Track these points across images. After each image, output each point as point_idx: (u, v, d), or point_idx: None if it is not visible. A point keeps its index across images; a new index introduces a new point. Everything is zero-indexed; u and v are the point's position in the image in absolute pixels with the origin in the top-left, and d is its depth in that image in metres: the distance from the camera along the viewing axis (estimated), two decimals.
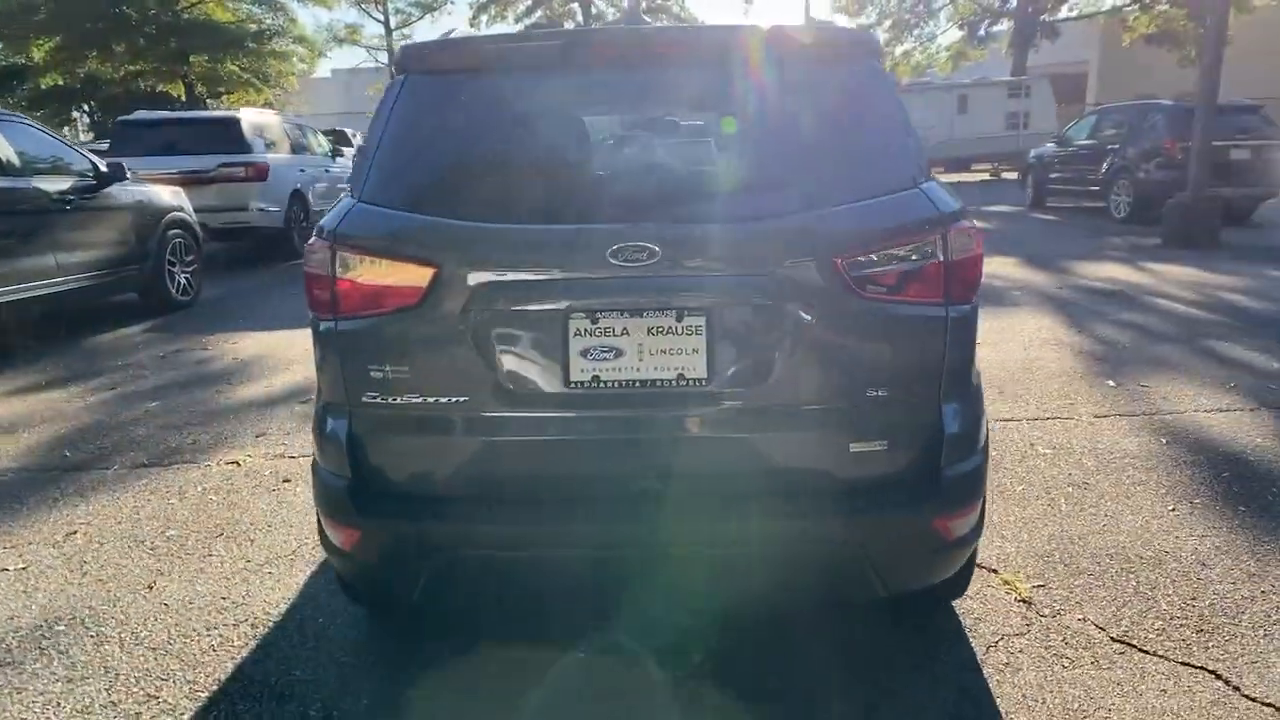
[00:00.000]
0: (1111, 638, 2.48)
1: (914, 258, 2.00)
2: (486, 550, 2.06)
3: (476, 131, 2.16)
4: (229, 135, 10.24)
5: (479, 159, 2.14)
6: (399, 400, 2.06)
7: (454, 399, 2.04)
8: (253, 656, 2.50)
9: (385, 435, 2.11)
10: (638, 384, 2.00)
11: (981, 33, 29.29)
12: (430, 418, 2.06)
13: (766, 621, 2.56)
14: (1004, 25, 28.77)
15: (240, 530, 3.37)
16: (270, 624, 2.67)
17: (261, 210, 10.30)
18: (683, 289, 1.97)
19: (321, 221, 2.18)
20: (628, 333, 1.99)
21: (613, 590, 2.18)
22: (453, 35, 2.46)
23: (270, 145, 10.78)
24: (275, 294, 8.93)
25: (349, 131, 21.76)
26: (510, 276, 2.00)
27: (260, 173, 10.20)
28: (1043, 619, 2.58)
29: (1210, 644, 2.43)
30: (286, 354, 6.17)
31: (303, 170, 11.40)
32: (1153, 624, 2.53)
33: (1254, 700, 2.19)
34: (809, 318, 1.97)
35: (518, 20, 29.26)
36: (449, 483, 2.10)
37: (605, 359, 2.00)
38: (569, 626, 2.52)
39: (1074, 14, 28.36)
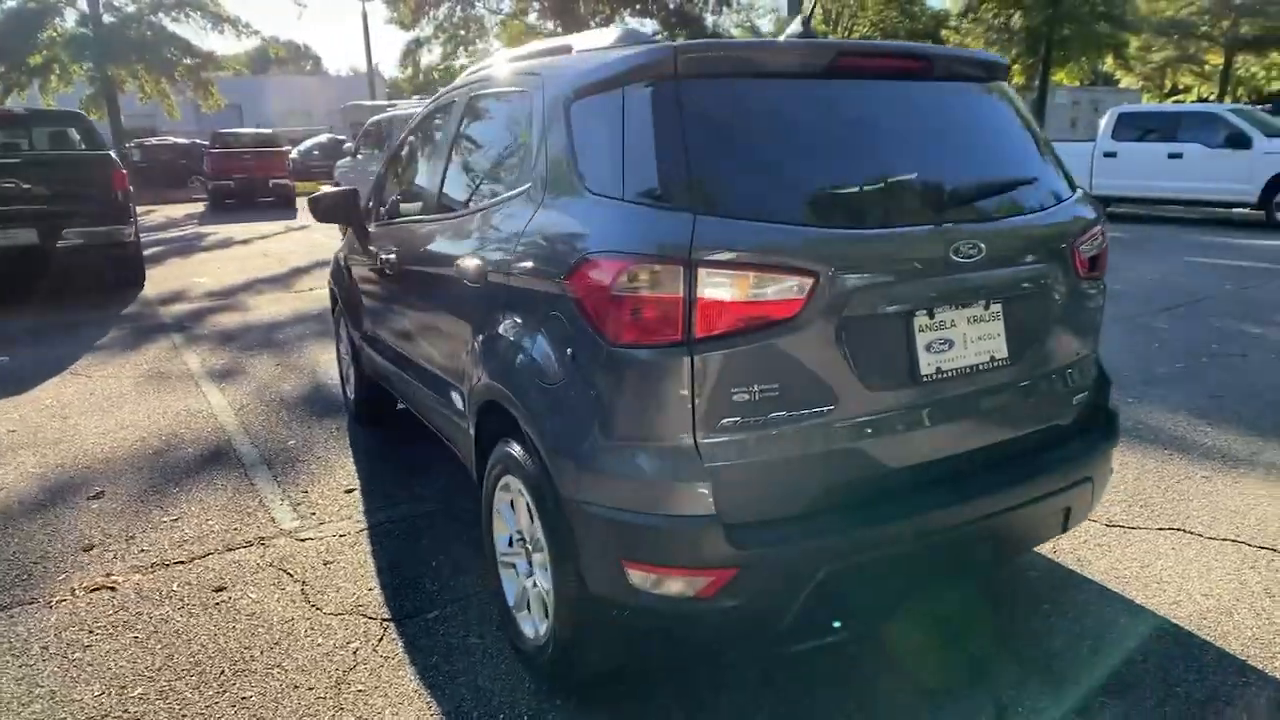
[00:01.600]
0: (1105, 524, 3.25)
1: (1099, 244, 2.48)
2: (865, 555, 2.01)
3: (782, 136, 2.07)
4: None
5: (797, 164, 2.05)
6: (764, 418, 1.91)
7: (819, 409, 1.96)
8: None
9: (748, 459, 1.93)
10: (965, 370, 2.15)
11: None
12: (797, 431, 1.95)
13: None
14: None
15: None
16: None
17: None
18: (993, 279, 2.18)
19: (622, 241, 1.90)
20: (955, 324, 2.13)
21: (949, 567, 2.29)
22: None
23: None
24: None
25: None
26: (871, 280, 2.00)
27: None
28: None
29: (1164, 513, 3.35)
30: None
31: None
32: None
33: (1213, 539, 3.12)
34: (1059, 295, 2.34)
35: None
36: (816, 496, 2.00)
37: (943, 351, 2.11)
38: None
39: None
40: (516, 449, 2.27)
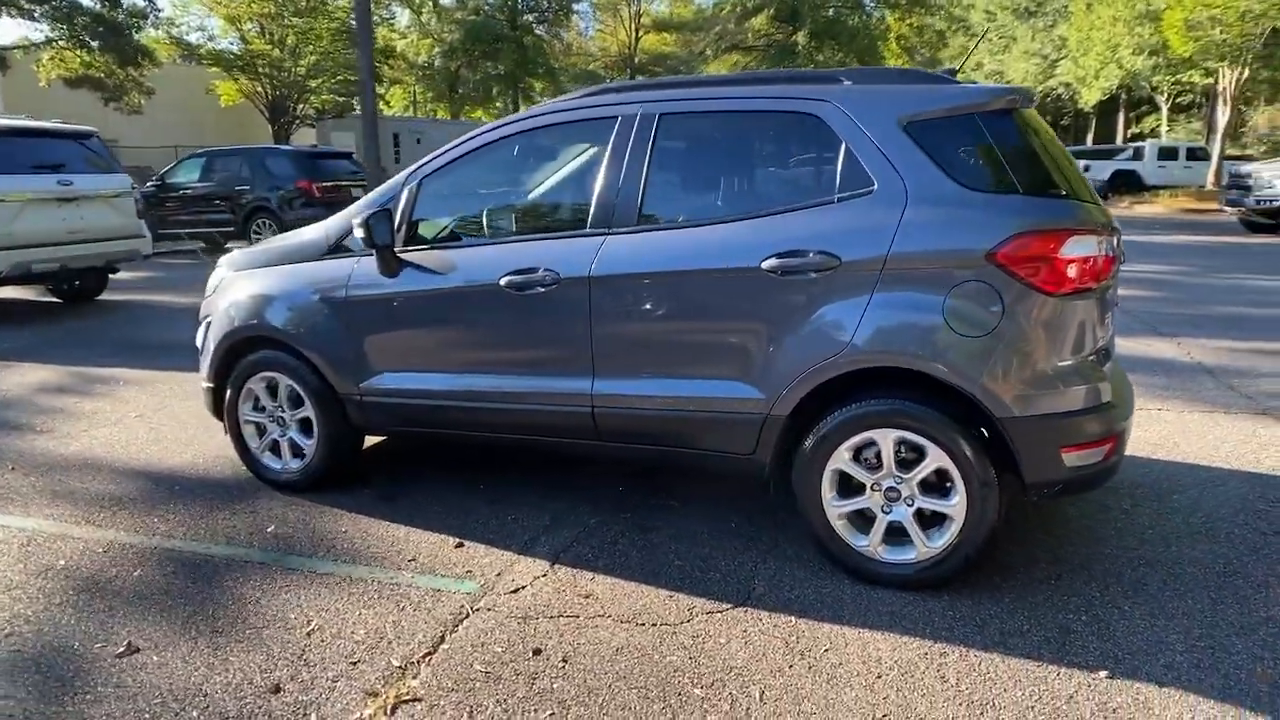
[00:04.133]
0: None
1: None
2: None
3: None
4: None
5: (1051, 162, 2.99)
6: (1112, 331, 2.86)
7: None
8: None
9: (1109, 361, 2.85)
10: None
11: None
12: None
13: None
14: None
15: None
16: None
17: None
18: None
19: (1047, 220, 2.68)
20: None
21: None
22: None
23: None
24: None
25: None
26: None
27: None
28: None
29: None
30: None
31: None
32: None
33: None
34: None
35: None
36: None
37: None
38: None
39: None
40: (891, 405, 2.81)
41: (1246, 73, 23.75)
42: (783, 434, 3.02)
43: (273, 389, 3.94)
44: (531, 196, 3.86)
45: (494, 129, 3.55)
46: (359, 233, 3.40)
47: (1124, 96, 34.94)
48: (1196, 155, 26.79)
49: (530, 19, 23.60)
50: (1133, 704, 2.36)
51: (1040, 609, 2.84)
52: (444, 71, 27.85)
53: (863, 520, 3.00)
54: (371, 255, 3.59)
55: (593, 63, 29.58)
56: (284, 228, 13.65)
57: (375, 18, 28.18)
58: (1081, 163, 21.83)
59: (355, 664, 2.62)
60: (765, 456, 3.08)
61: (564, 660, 2.62)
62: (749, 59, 25.25)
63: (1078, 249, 2.68)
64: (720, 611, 2.88)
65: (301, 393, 3.82)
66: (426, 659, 2.64)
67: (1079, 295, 2.71)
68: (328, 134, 29.57)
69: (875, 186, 2.85)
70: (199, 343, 4.20)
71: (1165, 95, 32.20)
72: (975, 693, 2.43)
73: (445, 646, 2.70)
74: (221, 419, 4.15)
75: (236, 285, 3.98)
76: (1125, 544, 3.30)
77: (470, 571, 3.19)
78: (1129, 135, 37.74)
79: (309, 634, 2.79)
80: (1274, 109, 36.41)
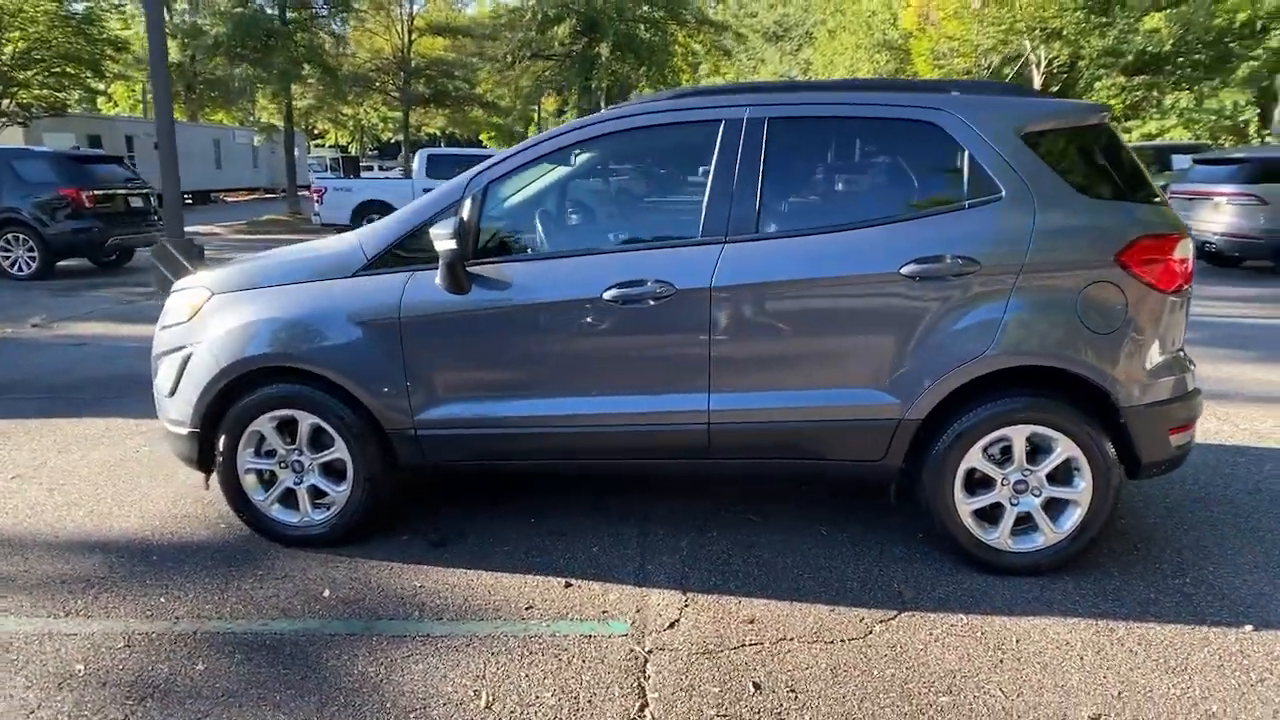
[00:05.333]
0: None
1: None
2: None
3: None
4: None
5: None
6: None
7: None
8: None
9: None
10: None
11: None
12: None
13: None
14: None
15: None
16: None
17: None
18: None
19: (1160, 226, 2.97)
20: None
21: None
22: None
23: None
24: None
25: None
26: None
27: None
28: None
29: None
30: None
31: None
32: None
33: None
34: None
35: None
36: None
37: None
38: None
39: None
40: (1027, 402, 2.98)
41: None
42: (915, 438, 3.08)
43: (287, 429, 3.35)
44: (625, 203, 3.61)
45: (571, 131, 3.27)
46: (449, 244, 2.98)
47: None
48: None
49: (304, 15, 21.80)
50: None
51: (1150, 579, 3.13)
52: (180, 69, 24.91)
53: (990, 514, 3.13)
54: (427, 270, 3.18)
55: (363, 65, 27.93)
56: (44, 243, 11.60)
57: (103, 3, 24.81)
58: None
59: None
60: (895, 461, 3.12)
61: (791, 690, 2.49)
62: (548, 67, 25.27)
63: (1182, 251, 3.00)
64: (891, 619, 2.88)
65: (331, 431, 3.29)
66: (643, 712, 2.39)
67: (1179, 293, 3.03)
68: (39, 135, 25.39)
69: (1003, 193, 3.00)
70: (163, 381, 3.47)
71: None
72: (1167, 659, 2.63)
73: (654, 696, 2.46)
74: (203, 469, 3.47)
75: (232, 309, 3.33)
76: (1181, 515, 3.73)
77: (606, 612, 2.93)
78: None
79: (489, 706, 2.42)
80: None
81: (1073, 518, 3.07)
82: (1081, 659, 2.64)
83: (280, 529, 3.42)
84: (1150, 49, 18.57)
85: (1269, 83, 17.67)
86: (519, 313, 3.16)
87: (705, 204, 3.12)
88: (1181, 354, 3.12)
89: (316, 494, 3.40)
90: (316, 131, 50.78)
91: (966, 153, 3.03)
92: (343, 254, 3.34)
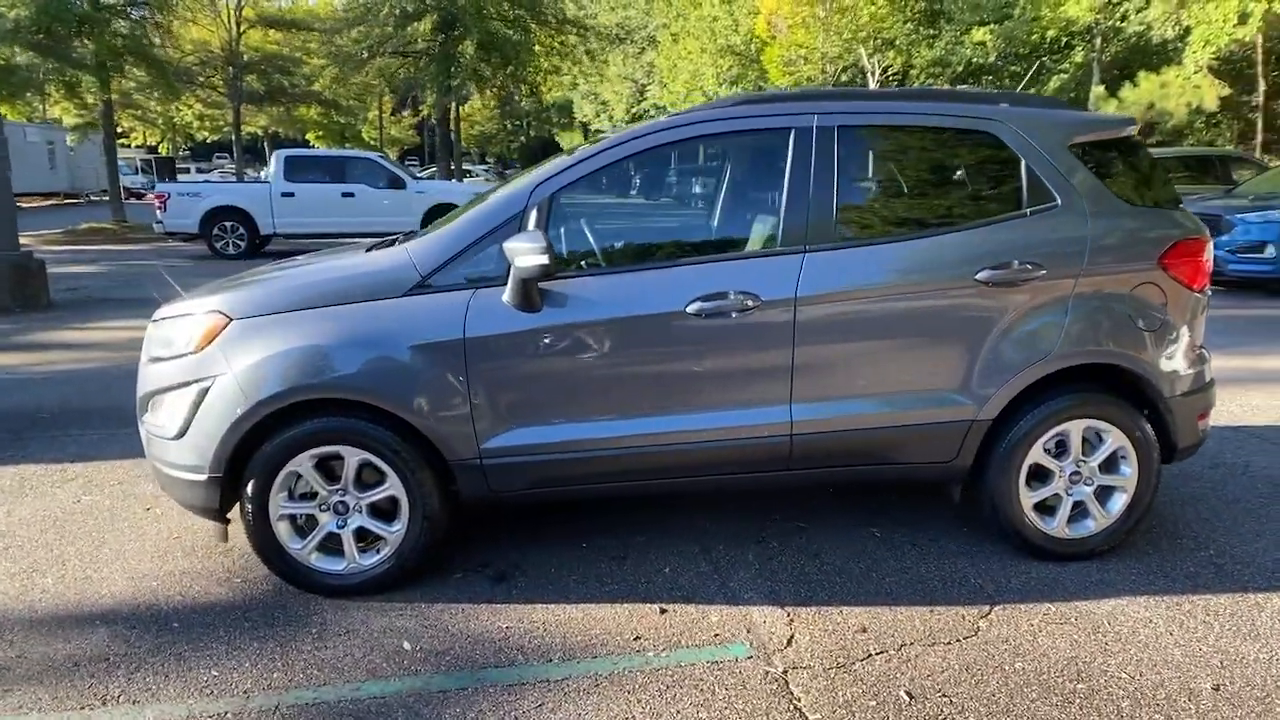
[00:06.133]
0: None
1: None
2: None
3: None
4: None
5: None
6: None
7: None
8: None
9: None
10: None
11: None
12: None
13: None
14: None
15: None
16: None
17: None
18: None
19: (1192, 230, 3.24)
20: None
21: None
22: None
23: None
24: None
25: None
26: None
27: None
28: None
29: None
30: None
31: None
32: None
33: None
34: None
35: None
36: None
37: None
38: None
39: None
40: (1084, 397, 3.18)
41: None
42: (986, 437, 3.20)
43: (326, 468, 3.03)
44: (695, 212, 3.49)
45: (633, 139, 3.14)
46: (537, 260, 2.77)
47: None
48: None
49: (120, 0, 19.66)
50: None
51: (1182, 554, 3.41)
52: None
53: (1047, 505, 3.30)
54: (491, 287, 2.97)
55: (185, 57, 25.61)
56: None
57: None
58: None
59: None
60: (965, 461, 3.23)
61: (944, 696, 2.51)
62: (404, 64, 24.14)
63: (1209, 253, 3.29)
64: (988, 614, 2.97)
65: (384, 466, 3.00)
66: None
67: (1204, 291, 3.32)
68: None
69: (1058, 201, 3.17)
70: (166, 421, 3.05)
71: None
72: (1239, 627, 2.88)
73: (816, 718, 2.42)
74: (221, 520, 3.09)
75: (263, 335, 2.96)
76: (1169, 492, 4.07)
77: (717, 635, 2.85)
78: None
79: None
80: None
81: (1120, 502, 3.30)
82: (1171, 634, 2.83)
83: (321, 578, 3.08)
84: (977, 59, 20.29)
85: (1075, 93, 19.77)
86: (595, 329, 3.01)
87: (783, 212, 3.09)
88: (1202, 348, 3.43)
89: (360, 536, 3.09)
90: (120, 130, 46.04)
91: (1024, 162, 3.18)
92: (391, 271, 3.06)
